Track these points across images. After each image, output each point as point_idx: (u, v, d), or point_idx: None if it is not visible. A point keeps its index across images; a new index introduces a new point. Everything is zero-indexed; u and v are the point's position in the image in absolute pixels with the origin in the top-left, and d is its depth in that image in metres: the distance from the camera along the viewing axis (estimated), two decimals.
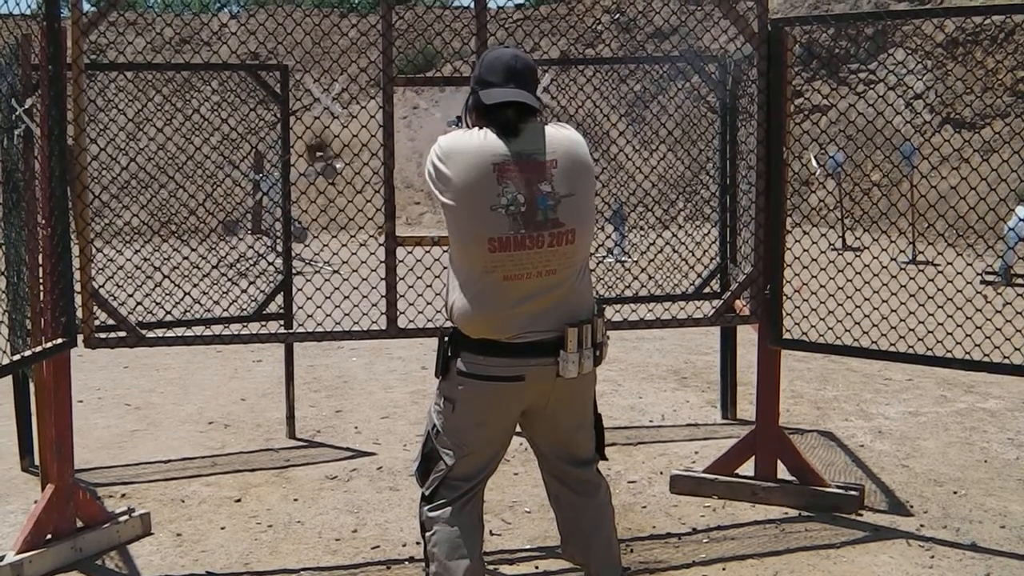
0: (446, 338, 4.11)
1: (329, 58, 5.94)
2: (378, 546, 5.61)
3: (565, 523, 4.36)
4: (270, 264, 8.55)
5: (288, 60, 7.13)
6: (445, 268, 4.14)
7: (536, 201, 3.86)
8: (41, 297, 5.35)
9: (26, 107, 5.29)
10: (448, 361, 4.08)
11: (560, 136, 4.01)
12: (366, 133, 5.82)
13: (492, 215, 3.82)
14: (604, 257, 7.64)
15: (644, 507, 6.13)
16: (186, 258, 7.70)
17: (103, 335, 5.58)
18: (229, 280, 7.77)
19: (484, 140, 3.89)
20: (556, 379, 4.00)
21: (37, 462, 6.90)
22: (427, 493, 4.19)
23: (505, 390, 4.01)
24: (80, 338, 5.43)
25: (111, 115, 7.75)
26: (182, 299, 7.36)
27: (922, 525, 5.75)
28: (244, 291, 7.66)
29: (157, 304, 7.28)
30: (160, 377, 10.33)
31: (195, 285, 7.48)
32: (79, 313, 5.39)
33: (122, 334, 5.47)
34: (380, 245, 5.61)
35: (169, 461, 7.35)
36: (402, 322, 5.62)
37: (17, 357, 5.05)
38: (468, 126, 4.11)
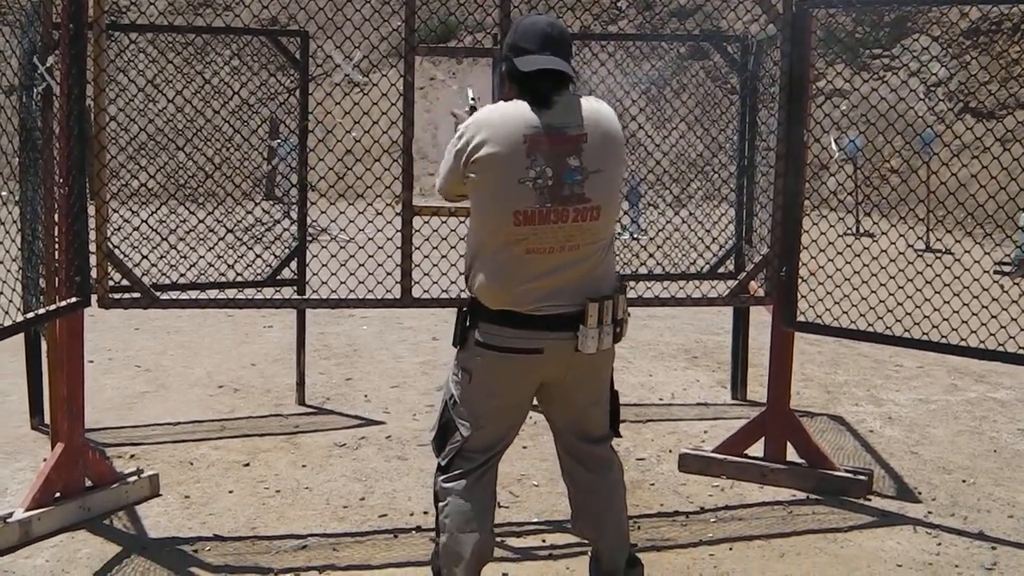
0: (464, 308, 4.12)
1: (351, 25, 5.90)
2: (385, 514, 5.63)
3: (577, 499, 4.35)
4: (285, 230, 8.53)
5: (308, 27, 7.11)
6: (463, 239, 4.15)
7: (563, 175, 3.83)
8: (56, 256, 5.35)
9: (47, 66, 5.28)
10: (466, 331, 4.08)
11: (593, 110, 3.97)
12: (385, 102, 5.79)
13: (519, 188, 3.80)
14: (620, 234, 7.60)
15: (652, 485, 6.13)
16: (201, 221, 7.69)
17: (116, 296, 5.57)
18: (244, 244, 7.76)
19: (516, 112, 3.85)
20: (574, 354, 3.98)
21: (47, 421, 6.94)
22: (443, 463, 4.18)
23: (523, 362, 4.00)
24: (94, 298, 5.43)
25: (130, 76, 7.75)
26: (196, 263, 7.36)
27: (930, 512, 5.75)
28: (258, 256, 7.65)
29: (171, 267, 7.28)
30: (171, 340, 10.34)
31: (209, 249, 7.47)
32: (93, 273, 5.39)
33: (136, 295, 5.47)
34: (396, 215, 5.59)
35: (178, 424, 7.36)
36: (416, 292, 5.60)
37: (31, 315, 5.05)
38: (496, 97, 4.19)
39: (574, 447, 4.29)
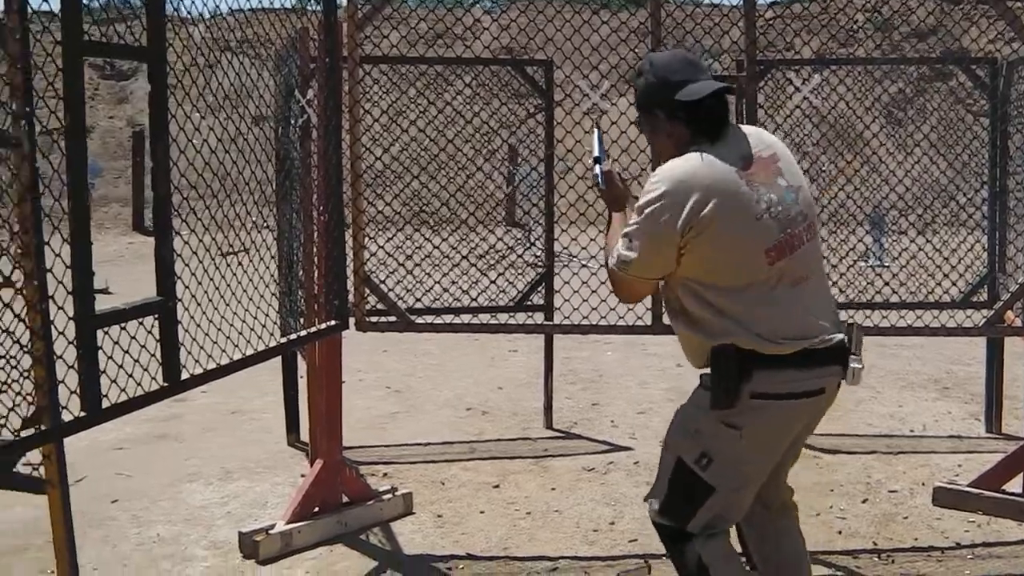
0: (723, 363, 3.56)
1: (598, 54, 5.97)
2: (636, 539, 5.63)
3: (761, 544, 4.07)
4: (519, 256, 8.62)
5: (543, 55, 7.22)
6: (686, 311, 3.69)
7: (784, 196, 3.58)
8: (316, 280, 5.55)
9: (308, 98, 5.49)
10: (733, 386, 3.53)
11: (754, 130, 3.79)
12: (625, 126, 5.82)
13: (759, 225, 3.51)
14: (859, 260, 7.39)
15: (906, 518, 5.96)
16: (436, 247, 7.84)
17: (373, 319, 5.75)
18: (488, 269, 7.89)
19: (707, 156, 3.54)
20: (836, 389, 3.73)
21: (302, 438, 7.21)
22: (695, 531, 3.69)
23: (802, 407, 3.67)
24: (352, 321, 5.60)
25: (365, 107, 7.97)
26: (431, 287, 7.49)
27: None
28: (492, 282, 7.74)
29: (408, 291, 7.44)
30: (419, 362, 10.59)
31: (444, 275, 7.62)
32: (351, 297, 5.57)
33: (391, 319, 5.63)
34: None
35: (428, 444, 7.53)
36: (667, 318, 5.59)
37: (293, 336, 5.25)
38: (654, 151, 3.92)
39: (767, 491, 3.91)
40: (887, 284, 7.33)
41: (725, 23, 6.11)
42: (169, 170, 3.77)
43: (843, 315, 3.97)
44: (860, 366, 3.65)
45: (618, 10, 6.84)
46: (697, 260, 3.54)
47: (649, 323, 5.62)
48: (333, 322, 5.30)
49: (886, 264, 10.26)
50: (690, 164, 3.54)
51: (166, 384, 3.84)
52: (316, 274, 5.56)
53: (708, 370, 3.63)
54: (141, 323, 3.72)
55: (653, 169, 3.78)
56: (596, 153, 4.12)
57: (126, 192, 26.69)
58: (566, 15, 6.22)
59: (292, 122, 6.00)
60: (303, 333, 5.32)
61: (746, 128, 3.75)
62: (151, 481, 6.75)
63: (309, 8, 5.50)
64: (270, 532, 5.39)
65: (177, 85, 3.94)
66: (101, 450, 7.26)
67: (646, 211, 3.55)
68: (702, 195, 3.46)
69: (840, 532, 5.70)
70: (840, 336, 3.65)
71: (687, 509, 3.69)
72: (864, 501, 6.21)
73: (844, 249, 7.46)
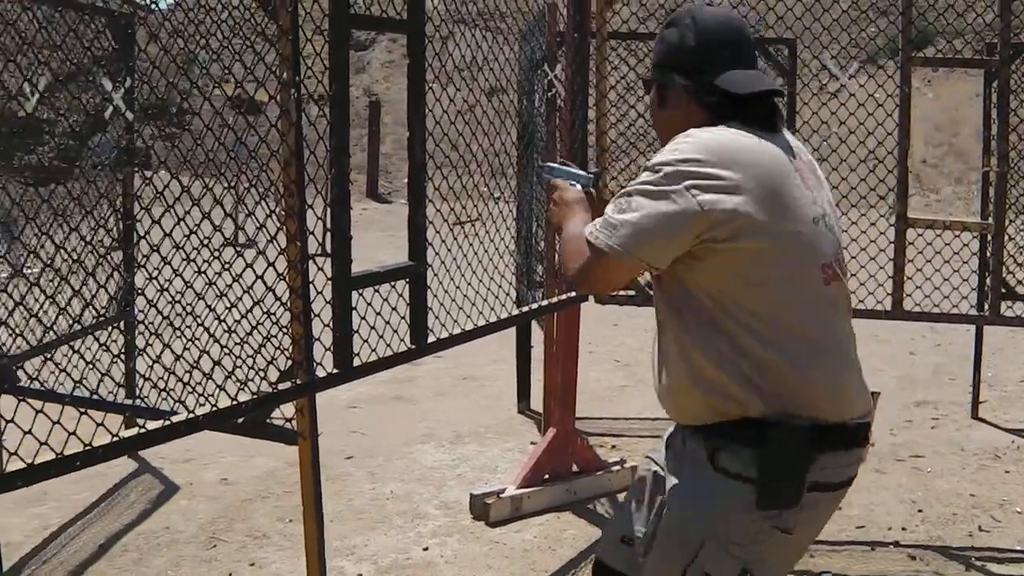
0: (794, 438, 2.59)
1: (847, 34, 5.86)
2: (863, 526, 5.57)
3: None
4: None
5: (774, 32, 7.10)
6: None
7: (828, 213, 2.75)
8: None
9: (555, 73, 5.57)
10: (805, 474, 2.59)
11: (789, 135, 2.85)
12: (872, 108, 5.72)
13: (816, 231, 2.65)
14: None
15: None
16: None
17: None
18: None
19: (755, 136, 2.64)
20: None
21: (532, 406, 7.34)
22: None
23: (834, 500, 2.76)
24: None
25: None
26: None
27: None
28: None
29: None
30: (647, 336, 10.58)
31: None
32: None
33: (631, 292, 5.67)
34: (890, 225, 5.50)
35: (656, 419, 7.54)
36: (907, 304, 5.50)
37: (535, 306, 5.35)
38: (658, 123, 2.91)
39: None
40: None
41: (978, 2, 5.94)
42: (425, 140, 3.90)
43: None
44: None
45: None
46: (729, 263, 2.58)
47: (889, 308, 5.52)
48: (573, 294, 5.37)
49: None
50: (730, 135, 2.62)
51: (413, 346, 3.98)
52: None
53: (703, 430, 2.73)
54: (393, 286, 3.86)
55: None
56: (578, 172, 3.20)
57: (361, 160, 27.36)
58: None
59: (537, 95, 6.09)
60: (544, 303, 5.42)
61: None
62: (385, 440, 6.99)
63: None
64: (501, 496, 5.54)
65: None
66: (337, 408, 7.53)
67: (664, 171, 2.56)
68: (744, 169, 2.54)
69: None
70: (867, 408, 2.77)
71: None
72: None
73: None
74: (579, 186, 3.10)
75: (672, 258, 2.59)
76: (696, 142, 2.57)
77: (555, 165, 3.28)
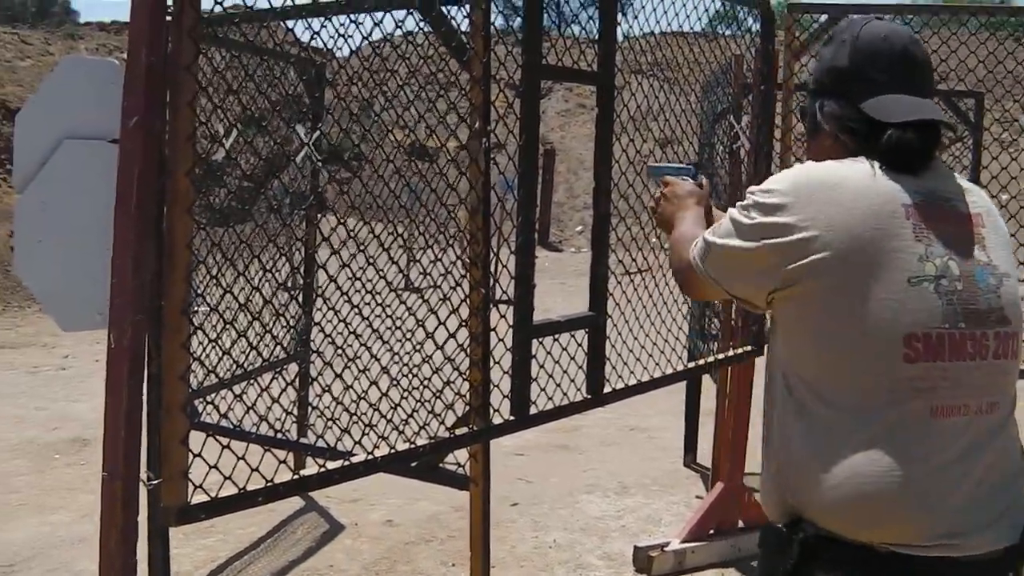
0: (790, 538, 2.21)
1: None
2: None
3: None
4: None
5: (962, 85, 6.94)
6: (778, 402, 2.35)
7: (975, 275, 2.19)
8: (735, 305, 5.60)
9: (741, 125, 5.54)
10: None
11: (972, 186, 2.38)
12: None
13: (912, 293, 2.12)
14: None
15: None
16: None
17: None
18: None
19: (867, 172, 2.21)
20: None
21: (699, 460, 7.28)
22: None
23: None
24: (766, 348, 5.61)
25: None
26: None
27: None
28: None
29: None
30: None
31: None
32: (767, 324, 5.58)
33: None
34: None
35: None
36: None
37: (710, 359, 5.31)
38: (808, 149, 2.53)
39: None
40: None
41: None
42: (610, 191, 3.90)
43: None
44: None
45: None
46: (794, 317, 2.25)
47: None
48: (749, 348, 5.32)
49: None
50: (843, 172, 2.21)
51: (589, 396, 3.96)
52: None
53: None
54: (573, 335, 3.86)
55: None
56: (680, 166, 3.26)
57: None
58: (989, 46, 5.99)
59: (719, 146, 6.07)
60: (720, 356, 5.37)
61: (960, 178, 2.37)
62: (550, 489, 6.99)
63: (745, 36, 5.57)
64: (665, 549, 5.49)
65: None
66: (503, 454, 7.54)
67: (749, 200, 2.28)
68: (821, 207, 2.15)
69: None
70: (1001, 543, 2.15)
71: None
72: None
73: None
74: (688, 179, 3.05)
75: (752, 297, 2.32)
76: (786, 182, 2.23)
77: (660, 164, 3.26)
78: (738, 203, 2.30)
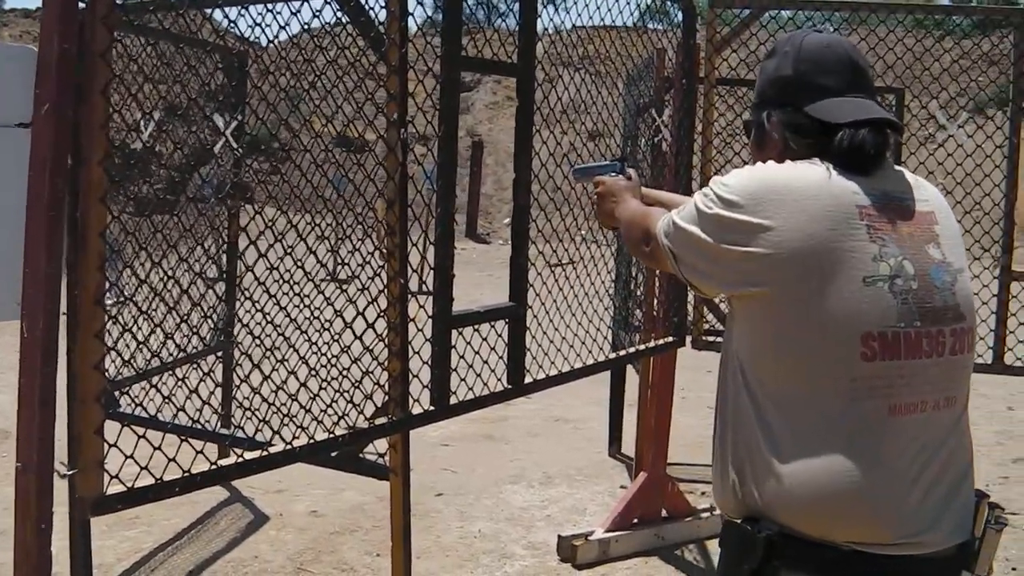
0: (755, 536, 2.22)
1: (957, 84, 5.85)
2: None
3: None
4: None
5: (895, 83, 7.00)
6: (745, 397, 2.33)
7: (930, 274, 2.25)
8: (657, 296, 5.63)
9: (663, 118, 5.58)
10: None
11: (923, 182, 2.45)
12: (975, 162, 5.66)
13: (868, 292, 2.16)
14: None
15: None
16: None
17: (710, 338, 5.79)
18: None
19: (822, 173, 2.25)
20: None
21: (623, 450, 7.33)
22: None
23: None
24: (688, 339, 5.66)
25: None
26: None
27: None
28: None
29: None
30: None
31: None
32: (690, 315, 5.63)
33: None
34: (994, 278, 5.44)
35: None
36: (1008, 358, 5.43)
37: (632, 350, 5.35)
38: (754, 157, 2.54)
39: None
40: None
41: None
42: (530, 183, 3.90)
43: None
44: None
45: (963, 37, 6.64)
46: (751, 314, 2.29)
47: (989, 362, 5.44)
48: (671, 338, 5.36)
49: None
50: (797, 173, 2.25)
51: (510, 386, 3.97)
52: (657, 290, 5.64)
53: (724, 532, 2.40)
54: (493, 326, 3.87)
55: None
56: (605, 163, 3.25)
57: (461, 200, 27.54)
58: (907, 43, 6.07)
59: (642, 140, 6.10)
60: (641, 347, 5.41)
61: (910, 175, 2.43)
62: (475, 479, 7.01)
63: (667, 29, 5.60)
64: (589, 538, 5.53)
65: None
66: (428, 444, 7.57)
67: (700, 211, 2.30)
68: (778, 208, 2.19)
69: None
70: (953, 539, 2.25)
71: None
72: None
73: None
74: (617, 175, 3.10)
75: (710, 288, 2.41)
76: (741, 181, 2.26)
77: (586, 165, 3.30)
78: (701, 190, 2.34)
